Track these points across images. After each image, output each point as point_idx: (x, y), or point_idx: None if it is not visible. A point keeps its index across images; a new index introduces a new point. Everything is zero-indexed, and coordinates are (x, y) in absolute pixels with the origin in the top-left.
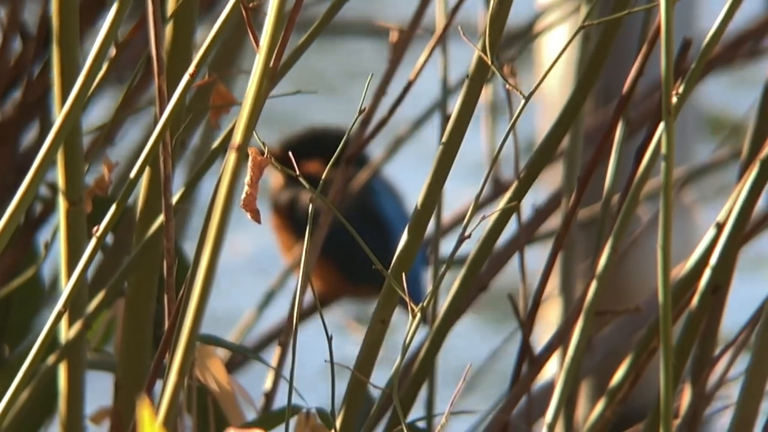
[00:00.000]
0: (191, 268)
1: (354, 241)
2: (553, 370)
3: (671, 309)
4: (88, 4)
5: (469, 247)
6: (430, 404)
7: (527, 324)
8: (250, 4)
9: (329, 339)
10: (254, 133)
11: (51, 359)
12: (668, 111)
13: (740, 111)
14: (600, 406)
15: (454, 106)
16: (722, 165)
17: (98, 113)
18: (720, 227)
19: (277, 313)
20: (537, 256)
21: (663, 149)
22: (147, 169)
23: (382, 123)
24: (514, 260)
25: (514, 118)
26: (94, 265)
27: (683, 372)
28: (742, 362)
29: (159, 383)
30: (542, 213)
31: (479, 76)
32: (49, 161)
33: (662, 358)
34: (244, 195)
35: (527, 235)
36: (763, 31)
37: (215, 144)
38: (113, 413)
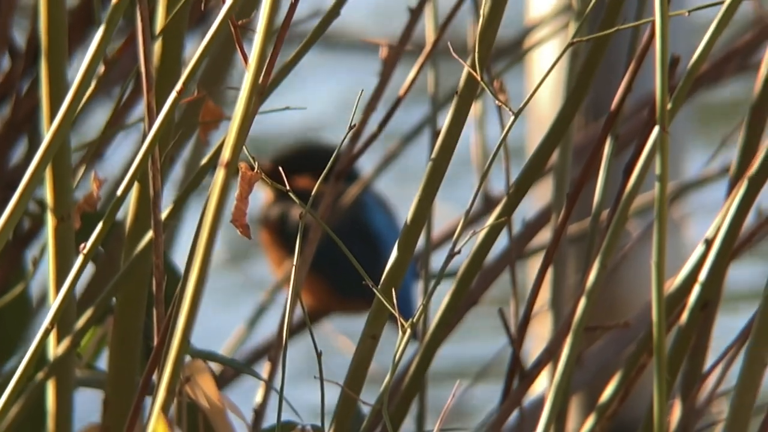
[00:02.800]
0: (180, 283)
1: (344, 255)
2: (543, 385)
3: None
4: (76, 20)
5: (460, 262)
6: (420, 420)
7: (518, 339)
8: (239, 21)
9: (319, 354)
10: (244, 148)
11: (39, 376)
12: (663, 127)
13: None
14: (590, 421)
15: (444, 121)
16: (711, 180)
17: (87, 129)
18: (709, 243)
19: (267, 329)
20: (527, 270)
21: (657, 166)
22: (136, 185)
23: (372, 138)
24: (505, 275)
25: (503, 133)
26: (82, 281)
27: (673, 387)
28: (732, 377)
29: (149, 399)
30: (532, 228)
31: (469, 92)
32: (37, 177)
33: (656, 374)
34: (233, 210)
35: (517, 250)
36: (751, 48)
37: (204, 160)
38: (102, 430)
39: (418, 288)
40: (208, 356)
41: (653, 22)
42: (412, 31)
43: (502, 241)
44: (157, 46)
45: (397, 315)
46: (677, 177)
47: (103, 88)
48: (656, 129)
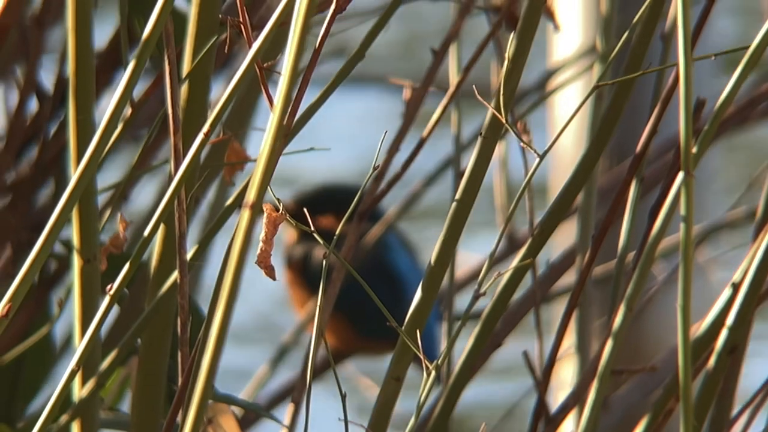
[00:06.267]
0: (205, 324)
1: (368, 296)
2: (569, 429)
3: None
4: (104, 63)
5: (484, 304)
6: None
7: (543, 382)
8: (265, 63)
9: (343, 396)
10: (269, 189)
11: (64, 419)
12: (687, 171)
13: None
14: None
15: (468, 162)
16: (738, 224)
17: (113, 171)
18: (736, 287)
19: (290, 370)
20: (552, 313)
21: (682, 209)
22: (161, 227)
23: (396, 178)
24: (529, 317)
25: (528, 175)
26: (108, 322)
27: None
28: (760, 423)
29: None
30: (557, 270)
31: (493, 134)
32: (64, 219)
33: (682, 419)
34: (258, 251)
35: (542, 292)
36: None
37: (229, 201)
38: None
39: (442, 329)
40: (228, 400)
41: (678, 66)
42: (435, 72)
43: (526, 283)
44: (184, 88)
45: (421, 357)
46: (704, 219)
47: (129, 130)
48: (681, 173)
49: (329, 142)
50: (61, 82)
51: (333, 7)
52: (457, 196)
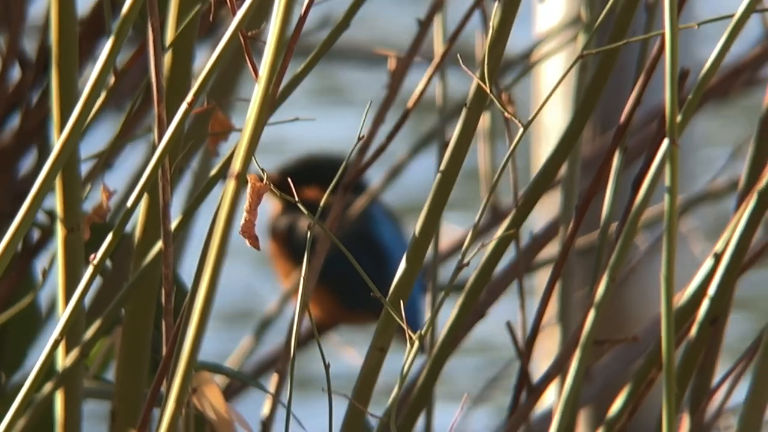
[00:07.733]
0: (189, 294)
1: (352, 267)
2: (551, 399)
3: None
4: (87, 31)
5: (468, 274)
6: None
7: (526, 352)
8: (249, 32)
9: (326, 366)
10: (253, 159)
11: (48, 387)
12: (672, 140)
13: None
14: None
15: (453, 132)
16: (720, 195)
17: (97, 140)
18: (718, 258)
19: (274, 341)
20: (535, 283)
21: (667, 179)
22: (145, 196)
23: (381, 150)
24: (513, 287)
25: (512, 146)
26: (91, 292)
27: (682, 402)
28: (741, 392)
29: (156, 411)
30: (540, 240)
31: (478, 104)
32: (47, 188)
33: (665, 388)
34: (242, 221)
35: (526, 262)
36: (760, 62)
37: (214, 171)
38: None
39: (426, 300)
40: (214, 368)
41: (663, 35)
42: (421, 42)
43: (510, 254)
44: (168, 57)
45: (405, 327)
46: (686, 190)
47: (113, 98)
48: (666, 142)
49: None
50: (44, 50)
51: None
52: (442, 167)
